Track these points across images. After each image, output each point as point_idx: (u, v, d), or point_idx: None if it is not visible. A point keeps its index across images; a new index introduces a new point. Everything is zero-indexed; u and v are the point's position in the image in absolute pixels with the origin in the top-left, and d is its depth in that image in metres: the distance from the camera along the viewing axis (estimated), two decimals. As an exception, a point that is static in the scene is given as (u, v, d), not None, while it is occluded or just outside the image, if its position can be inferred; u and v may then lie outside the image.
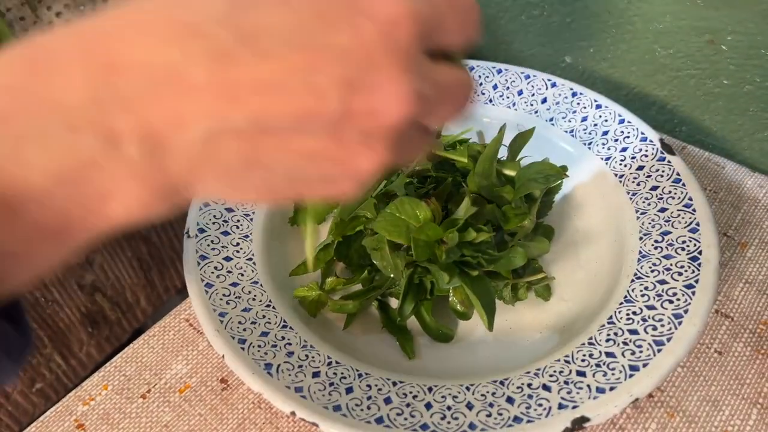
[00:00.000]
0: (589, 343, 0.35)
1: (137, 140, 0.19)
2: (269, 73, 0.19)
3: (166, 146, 0.19)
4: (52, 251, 0.21)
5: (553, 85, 0.50)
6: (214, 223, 0.41)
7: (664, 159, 0.43)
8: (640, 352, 0.33)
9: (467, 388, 0.34)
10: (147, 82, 0.19)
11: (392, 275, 0.39)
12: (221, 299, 0.37)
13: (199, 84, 0.19)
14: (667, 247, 0.38)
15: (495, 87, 0.51)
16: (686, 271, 0.36)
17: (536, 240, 0.41)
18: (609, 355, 0.34)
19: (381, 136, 0.21)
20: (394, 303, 0.41)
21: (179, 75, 0.19)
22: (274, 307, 0.38)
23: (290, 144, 0.21)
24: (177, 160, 0.20)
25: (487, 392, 0.33)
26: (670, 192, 0.41)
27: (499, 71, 0.52)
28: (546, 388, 0.33)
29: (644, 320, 0.35)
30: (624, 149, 0.45)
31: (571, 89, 0.49)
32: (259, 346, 0.35)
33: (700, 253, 0.37)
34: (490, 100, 0.51)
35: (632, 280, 0.37)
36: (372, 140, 0.21)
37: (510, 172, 0.42)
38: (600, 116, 0.47)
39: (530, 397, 0.33)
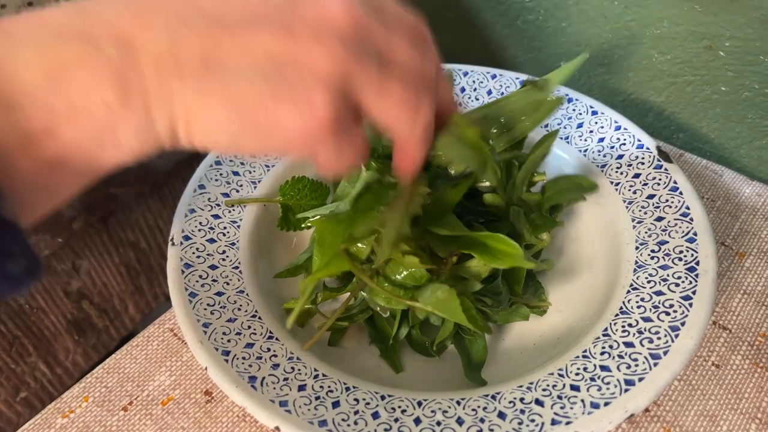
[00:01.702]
0: (584, 356, 0.34)
1: (113, 41, 0.23)
2: None
3: (137, 46, 0.23)
4: (45, 156, 0.23)
5: (549, 90, 0.49)
6: (200, 230, 0.40)
7: (660, 167, 0.42)
8: (636, 365, 0.32)
9: (458, 403, 0.33)
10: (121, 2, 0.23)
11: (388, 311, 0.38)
12: (205, 309, 0.36)
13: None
14: (663, 257, 0.37)
15: (489, 92, 0.50)
16: (683, 281, 0.35)
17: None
18: (604, 368, 0.33)
19: (333, 34, 0.24)
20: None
21: None
22: (260, 318, 0.37)
23: (245, 39, 0.23)
24: (147, 58, 0.23)
25: (478, 407, 0.32)
26: (666, 200, 0.40)
27: (494, 76, 0.51)
28: (539, 402, 0.32)
29: (640, 332, 0.34)
30: (620, 156, 0.44)
31: (567, 95, 0.48)
32: (244, 358, 0.34)
33: (697, 263, 0.36)
34: (484, 106, 0.50)
35: (628, 291, 0.36)
36: (324, 36, 0.24)
37: (539, 178, 0.41)
38: (596, 123, 0.46)
39: (522, 412, 0.31)
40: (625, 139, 0.44)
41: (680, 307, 0.34)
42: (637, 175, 0.42)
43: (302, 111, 0.24)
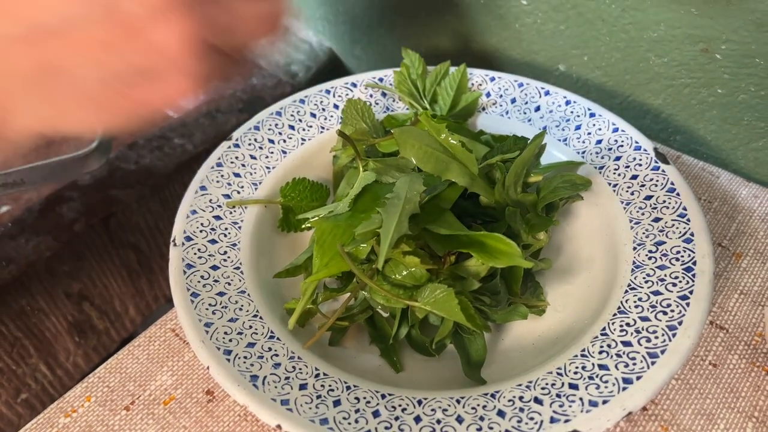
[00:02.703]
0: (582, 355, 0.34)
1: None
2: None
3: None
4: None
5: (547, 93, 0.50)
6: (201, 231, 0.41)
7: (658, 168, 0.42)
8: (634, 364, 0.33)
9: (457, 401, 0.33)
10: None
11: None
12: (207, 309, 0.36)
13: None
14: (661, 258, 0.38)
15: (488, 95, 0.51)
16: (680, 281, 0.36)
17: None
18: (602, 367, 0.33)
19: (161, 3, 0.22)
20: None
21: None
22: (261, 318, 0.37)
23: (74, 38, 0.22)
24: None
25: (478, 405, 0.32)
26: (664, 201, 0.40)
27: (492, 79, 0.51)
28: (538, 401, 0.32)
29: (638, 332, 0.34)
30: (618, 158, 0.44)
31: (565, 97, 0.49)
32: (245, 357, 0.34)
33: (694, 263, 0.36)
34: (483, 108, 0.50)
35: (626, 291, 0.37)
36: (155, 10, 0.22)
37: (535, 179, 0.41)
38: (594, 125, 0.47)
39: (521, 410, 0.32)
40: (622, 141, 0.45)
41: (677, 306, 0.35)
42: (634, 177, 0.43)
43: (172, 86, 0.24)
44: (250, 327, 0.36)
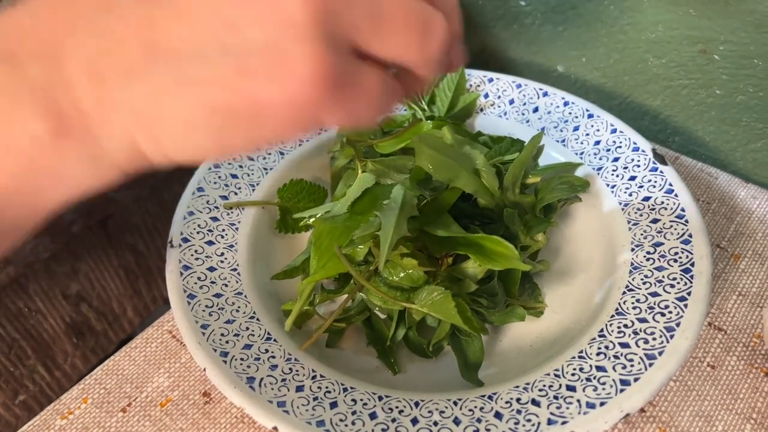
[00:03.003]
0: (580, 357, 0.34)
1: (35, 56, 0.19)
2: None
3: (63, 56, 0.19)
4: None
5: (545, 94, 0.50)
6: (198, 233, 0.41)
7: (656, 169, 0.42)
8: (632, 366, 0.33)
9: (455, 403, 0.33)
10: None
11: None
12: (204, 311, 0.36)
13: None
14: (659, 259, 0.37)
15: (486, 96, 0.51)
16: (678, 283, 0.36)
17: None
18: (600, 369, 0.33)
19: (302, 33, 0.18)
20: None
21: None
22: (258, 319, 0.37)
23: (186, 8, 0.19)
24: (76, 68, 0.19)
25: (475, 407, 0.32)
26: (662, 203, 0.40)
27: (491, 80, 0.51)
28: (535, 403, 0.32)
29: (635, 333, 0.34)
30: (616, 159, 0.44)
31: (563, 98, 0.49)
32: (242, 359, 0.34)
33: (692, 264, 0.36)
34: (482, 109, 0.50)
35: (624, 293, 0.37)
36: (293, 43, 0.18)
37: (533, 180, 0.41)
38: (592, 126, 0.47)
39: (519, 412, 0.32)
40: (621, 142, 0.45)
41: (675, 308, 0.35)
42: (632, 178, 0.43)
43: (280, 79, 0.19)
44: (247, 329, 0.36)
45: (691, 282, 0.35)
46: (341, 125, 0.22)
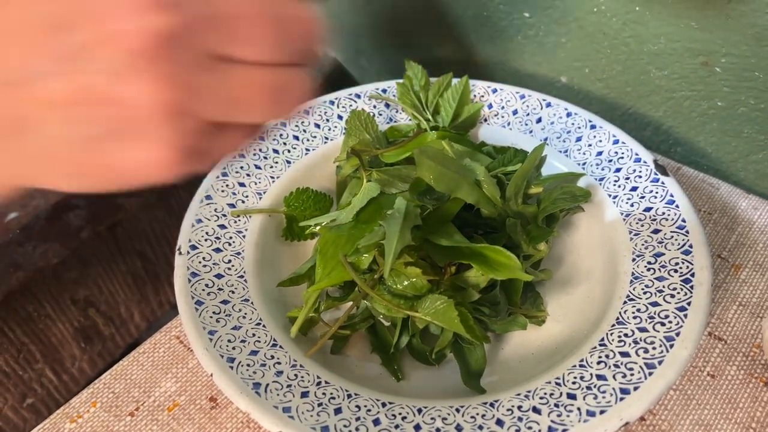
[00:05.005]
0: (581, 366, 0.34)
1: None
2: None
3: None
4: None
5: (548, 105, 0.50)
6: (206, 240, 0.41)
7: (657, 180, 0.43)
8: (632, 374, 0.33)
9: (457, 410, 0.33)
10: None
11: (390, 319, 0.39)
12: (211, 317, 0.37)
13: None
14: (659, 269, 0.38)
15: (490, 106, 0.51)
16: (679, 293, 0.36)
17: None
18: (600, 377, 0.33)
19: (137, 57, 0.20)
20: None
21: None
22: (264, 326, 0.38)
23: (36, 93, 0.20)
24: None
25: (477, 414, 0.33)
26: (663, 213, 0.41)
27: (495, 90, 0.52)
28: (536, 410, 0.33)
29: (636, 342, 0.35)
30: (618, 170, 0.45)
31: (566, 109, 0.49)
32: (248, 365, 0.35)
33: (692, 275, 0.37)
34: (485, 120, 0.51)
35: (624, 302, 0.37)
36: (128, 65, 0.20)
37: (535, 191, 0.42)
38: (594, 136, 0.47)
39: (520, 419, 0.32)
40: (623, 153, 0.45)
41: (675, 317, 0.35)
42: (634, 188, 0.43)
43: (146, 152, 0.21)
44: (254, 335, 0.37)
45: (691, 292, 0.36)
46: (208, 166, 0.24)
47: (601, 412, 0.32)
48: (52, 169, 0.22)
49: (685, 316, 0.35)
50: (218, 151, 0.24)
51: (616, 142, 0.46)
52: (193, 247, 0.41)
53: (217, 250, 0.41)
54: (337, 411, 0.33)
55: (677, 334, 0.34)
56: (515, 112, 0.51)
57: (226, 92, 0.22)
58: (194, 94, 0.21)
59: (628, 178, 0.44)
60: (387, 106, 0.52)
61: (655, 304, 0.36)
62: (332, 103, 0.52)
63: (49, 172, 0.23)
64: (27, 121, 0.21)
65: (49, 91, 0.20)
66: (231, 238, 0.42)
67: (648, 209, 0.42)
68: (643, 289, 0.37)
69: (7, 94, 0.21)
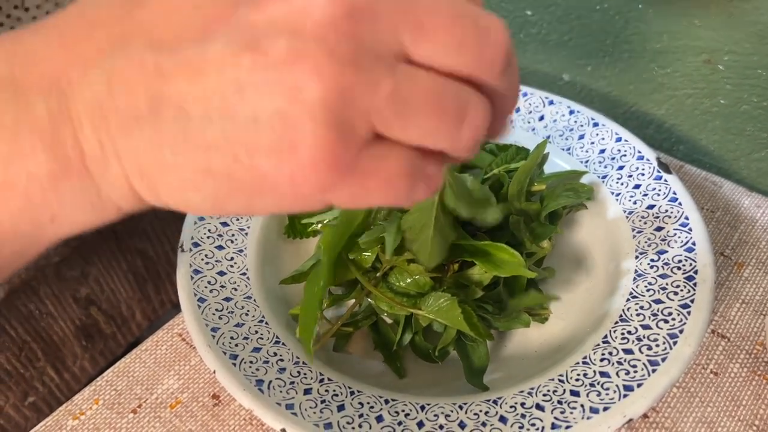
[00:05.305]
0: (584, 363, 0.34)
1: (42, 91, 0.19)
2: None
3: (71, 93, 0.18)
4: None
5: (551, 102, 0.50)
6: (208, 237, 0.41)
7: (660, 178, 0.43)
8: (635, 372, 0.33)
9: (460, 407, 0.33)
10: (49, 39, 0.19)
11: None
12: (214, 314, 0.37)
13: (96, 20, 0.19)
14: (662, 267, 0.38)
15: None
16: (682, 290, 0.36)
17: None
18: (603, 374, 0.33)
19: (317, 41, 0.17)
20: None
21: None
22: (267, 323, 0.37)
23: (197, 67, 0.17)
24: (82, 108, 0.18)
25: (480, 411, 0.33)
26: (666, 211, 0.41)
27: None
28: (539, 407, 0.33)
29: (639, 340, 0.35)
30: (621, 167, 0.45)
31: (569, 107, 0.49)
32: (251, 362, 0.35)
33: (695, 272, 0.37)
34: (488, 118, 0.51)
35: (627, 300, 0.37)
36: (304, 47, 0.17)
37: (538, 188, 0.42)
38: (597, 134, 0.47)
39: (523, 416, 0.32)
40: (625, 151, 0.45)
41: (678, 315, 0.35)
42: (637, 186, 0.43)
43: (283, 157, 0.18)
44: (256, 332, 0.37)
45: (694, 290, 0.36)
46: (354, 205, 0.20)
47: (605, 409, 0.32)
48: (178, 169, 0.19)
49: (689, 313, 0.35)
50: (376, 182, 0.19)
51: (618, 139, 0.46)
52: (196, 245, 0.41)
53: (220, 247, 0.41)
54: (340, 408, 0.33)
55: (680, 332, 0.34)
56: (518, 110, 0.51)
57: (405, 94, 0.18)
58: (371, 85, 0.17)
59: (631, 176, 0.44)
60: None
61: (658, 301, 0.36)
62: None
63: (173, 175, 0.19)
64: (170, 103, 0.18)
65: (213, 68, 0.17)
66: (233, 235, 0.42)
67: (651, 207, 0.42)
68: (646, 286, 0.37)
69: (160, 64, 0.18)
